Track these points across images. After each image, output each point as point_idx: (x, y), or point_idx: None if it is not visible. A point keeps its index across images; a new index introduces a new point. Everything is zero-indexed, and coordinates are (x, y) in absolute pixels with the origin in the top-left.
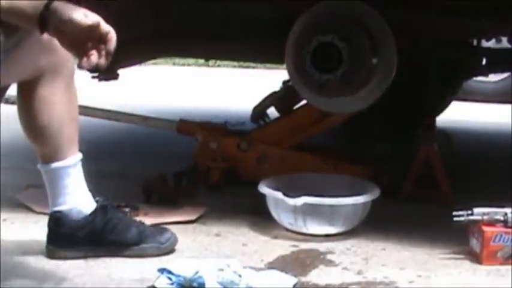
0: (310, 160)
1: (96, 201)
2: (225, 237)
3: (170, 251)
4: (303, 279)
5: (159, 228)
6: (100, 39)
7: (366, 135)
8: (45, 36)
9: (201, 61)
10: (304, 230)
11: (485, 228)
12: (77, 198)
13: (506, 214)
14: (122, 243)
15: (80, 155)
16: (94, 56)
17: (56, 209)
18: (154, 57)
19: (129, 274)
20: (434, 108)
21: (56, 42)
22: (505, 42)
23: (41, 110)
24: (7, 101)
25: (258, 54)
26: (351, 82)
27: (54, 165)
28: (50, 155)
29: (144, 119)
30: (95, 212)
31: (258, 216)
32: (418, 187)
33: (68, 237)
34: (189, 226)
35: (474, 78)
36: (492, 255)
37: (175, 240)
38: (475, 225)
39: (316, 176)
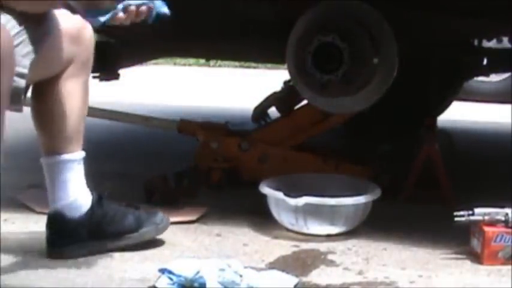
0: (311, 160)
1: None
2: (226, 237)
3: (166, 242)
4: (304, 279)
5: (151, 211)
6: None
7: (366, 135)
8: (75, 27)
9: (202, 61)
10: (305, 230)
11: (486, 229)
12: (78, 193)
13: (507, 214)
14: (122, 232)
15: (83, 153)
16: None
17: (57, 204)
18: (156, 57)
19: (130, 274)
20: (435, 108)
21: (84, 34)
22: (506, 43)
23: (62, 101)
24: None
25: (259, 54)
26: (352, 82)
27: (63, 157)
28: (60, 147)
29: (144, 119)
30: (92, 206)
31: (259, 216)
32: (419, 187)
33: (70, 235)
34: (190, 226)
35: (475, 79)
36: (493, 256)
37: (167, 221)
38: (476, 226)
39: (317, 176)
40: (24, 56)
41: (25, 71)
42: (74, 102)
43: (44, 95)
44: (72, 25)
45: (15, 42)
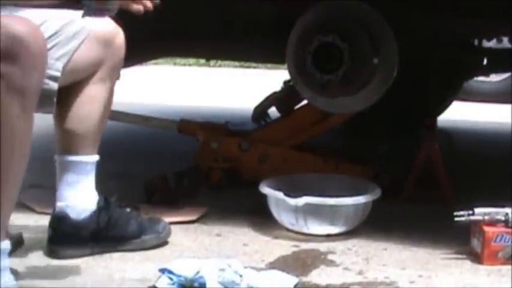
0: (311, 160)
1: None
2: (226, 237)
3: (167, 239)
4: (304, 279)
5: (154, 219)
6: None
7: (366, 135)
8: (107, 31)
9: (202, 61)
10: (305, 230)
11: (486, 229)
12: (87, 195)
13: (507, 214)
14: (124, 238)
15: (97, 157)
16: None
17: (64, 204)
18: (156, 57)
19: (130, 274)
20: (435, 108)
21: (116, 39)
22: (506, 42)
23: (85, 105)
24: None
25: (259, 54)
26: (352, 82)
27: (78, 158)
28: (76, 147)
29: (144, 119)
30: (99, 209)
31: (259, 216)
32: (419, 187)
33: (73, 236)
34: (190, 226)
35: (475, 79)
36: (493, 256)
37: (170, 230)
38: (476, 225)
39: (317, 176)
40: (57, 59)
41: (58, 74)
42: (97, 107)
43: (69, 97)
44: (104, 30)
45: (51, 44)
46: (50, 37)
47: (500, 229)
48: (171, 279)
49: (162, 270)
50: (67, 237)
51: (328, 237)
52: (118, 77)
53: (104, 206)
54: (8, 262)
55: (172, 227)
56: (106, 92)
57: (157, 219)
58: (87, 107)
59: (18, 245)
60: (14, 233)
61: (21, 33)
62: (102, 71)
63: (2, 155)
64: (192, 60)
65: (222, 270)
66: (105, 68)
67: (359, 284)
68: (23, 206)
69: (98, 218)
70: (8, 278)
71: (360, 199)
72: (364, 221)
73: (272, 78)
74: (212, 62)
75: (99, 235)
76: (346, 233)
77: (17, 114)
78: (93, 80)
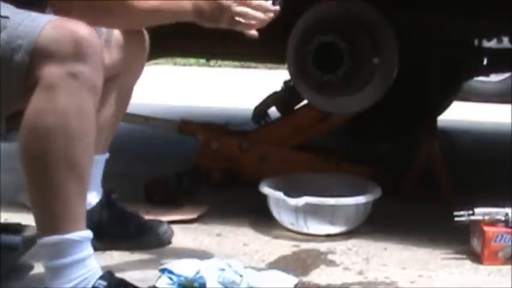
0: (312, 160)
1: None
2: (226, 237)
3: (168, 242)
4: (304, 279)
5: (156, 222)
6: None
7: (367, 135)
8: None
9: (202, 61)
10: (305, 230)
11: (486, 228)
12: (91, 193)
13: (507, 214)
14: (124, 236)
15: (107, 155)
16: None
17: None
18: (156, 57)
19: (130, 274)
20: (435, 108)
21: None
22: (506, 43)
23: (99, 106)
24: None
25: (259, 54)
26: (352, 82)
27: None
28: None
29: (145, 119)
30: (101, 205)
31: (259, 216)
32: (419, 187)
33: None
34: (190, 226)
35: (475, 79)
36: (493, 256)
37: (172, 233)
38: (476, 225)
39: (317, 176)
40: None
41: None
42: (111, 108)
43: None
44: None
45: None
46: None
47: (500, 229)
48: (171, 279)
49: (162, 270)
50: None
51: (328, 237)
52: (138, 77)
53: (106, 204)
54: (91, 250)
55: (173, 227)
56: (122, 93)
57: (160, 222)
58: (102, 110)
59: (33, 243)
60: (30, 232)
61: (85, 35)
62: (122, 74)
63: (82, 152)
64: (192, 60)
65: (222, 270)
66: (123, 71)
67: (359, 284)
68: (22, 206)
69: (99, 215)
70: (95, 264)
71: (360, 199)
72: (364, 220)
73: (272, 78)
74: (212, 62)
75: (100, 232)
76: (346, 232)
77: (93, 112)
78: (111, 83)
